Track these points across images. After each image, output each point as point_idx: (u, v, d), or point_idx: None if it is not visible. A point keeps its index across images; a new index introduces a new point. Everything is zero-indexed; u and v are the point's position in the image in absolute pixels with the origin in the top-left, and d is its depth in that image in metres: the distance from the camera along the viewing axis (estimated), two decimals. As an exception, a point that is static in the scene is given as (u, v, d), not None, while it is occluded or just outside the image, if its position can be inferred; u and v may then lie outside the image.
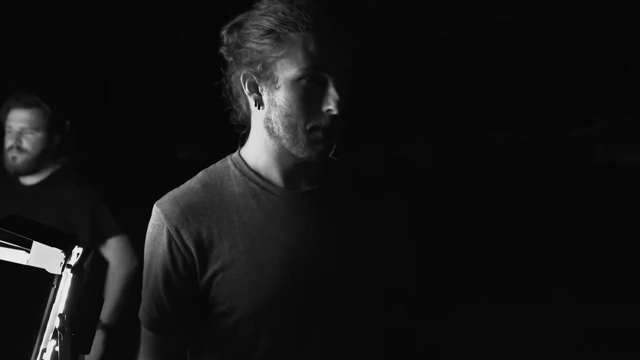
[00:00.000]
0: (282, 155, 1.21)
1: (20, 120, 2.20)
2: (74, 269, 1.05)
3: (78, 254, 1.10)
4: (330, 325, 1.24)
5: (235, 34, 1.19)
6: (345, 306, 1.24)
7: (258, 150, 1.23)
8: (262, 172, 1.23)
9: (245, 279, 1.18)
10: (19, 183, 2.25)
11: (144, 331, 1.28)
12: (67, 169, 2.32)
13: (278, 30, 1.13)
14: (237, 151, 1.27)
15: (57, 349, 1.03)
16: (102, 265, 2.34)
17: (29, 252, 1.09)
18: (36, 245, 1.07)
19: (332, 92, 1.13)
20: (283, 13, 1.13)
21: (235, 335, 1.22)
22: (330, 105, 1.14)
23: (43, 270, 1.02)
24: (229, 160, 1.27)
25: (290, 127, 1.15)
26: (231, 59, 1.20)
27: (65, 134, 2.30)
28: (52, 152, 2.29)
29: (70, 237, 1.12)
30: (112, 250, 2.27)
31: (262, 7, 1.16)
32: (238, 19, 1.20)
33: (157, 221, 1.21)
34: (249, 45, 1.15)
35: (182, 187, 1.25)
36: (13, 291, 1.00)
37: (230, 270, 1.18)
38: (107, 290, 2.29)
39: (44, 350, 1.03)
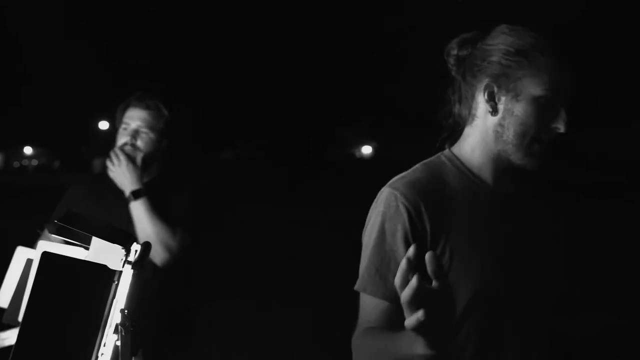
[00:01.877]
0: (498, 158, 1.36)
1: (139, 119, 2.25)
2: (134, 265, 1.07)
3: (136, 250, 1.12)
4: (528, 325, 1.35)
5: (469, 48, 1.37)
6: (540, 306, 1.36)
7: (476, 151, 1.38)
8: (475, 170, 1.38)
9: (466, 267, 1.30)
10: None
11: (370, 303, 1.33)
12: (170, 173, 2.36)
13: (529, 51, 1.29)
14: (448, 149, 1.43)
15: (118, 343, 1.05)
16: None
17: (87, 249, 1.11)
18: (95, 241, 1.09)
19: (563, 113, 1.30)
20: (533, 38, 1.30)
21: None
22: (560, 125, 1.30)
23: (105, 267, 1.04)
24: (442, 157, 1.42)
25: (521, 135, 1.31)
26: (462, 69, 1.37)
27: (173, 142, 2.35)
28: (159, 156, 2.33)
29: (128, 234, 1.14)
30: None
31: (505, 29, 1.33)
32: (469, 35, 1.38)
33: (393, 202, 1.32)
34: (495, 59, 1.31)
35: (409, 175, 1.38)
36: (76, 286, 1.01)
37: (454, 257, 1.31)
38: None
39: (104, 345, 1.05)
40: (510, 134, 1.33)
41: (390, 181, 1.38)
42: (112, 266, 1.05)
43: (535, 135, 1.32)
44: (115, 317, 1.05)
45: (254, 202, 15.92)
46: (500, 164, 1.37)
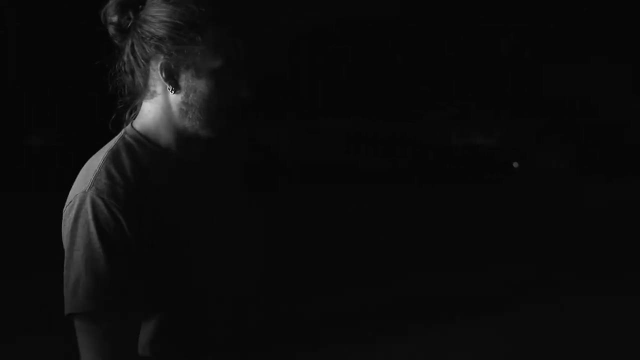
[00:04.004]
0: (186, 132, 1.33)
1: None
2: None
3: None
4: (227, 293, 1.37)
5: (131, 15, 1.28)
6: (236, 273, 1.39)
7: (161, 127, 1.34)
8: (162, 144, 1.34)
9: (186, 237, 1.31)
10: None
11: (102, 328, 1.23)
12: None
13: (200, 24, 1.24)
14: (130, 126, 1.36)
15: None
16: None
17: None
18: None
19: (245, 80, 1.29)
20: (198, 6, 1.24)
21: (186, 298, 1.32)
22: (243, 92, 1.29)
23: None
24: (126, 137, 1.34)
25: (207, 111, 1.29)
26: (130, 40, 1.29)
27: None
28: None
29: None
30: None
31: None
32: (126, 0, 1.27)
33: (100, 203, 1.23)
34: (164, 34, 1.25)
35: (102, 172, 1.27)
36: None
37: (169, 238, 1.29)
38: None
39: None
40: (196, 111, 1.29)
41: (87, 184, 1.26)
42: None
43: (220, 107, 1.29)
44: None
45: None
46: (189, 137, 1.34)
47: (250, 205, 1.47)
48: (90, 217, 1.23)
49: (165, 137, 1.34)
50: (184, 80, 1.28)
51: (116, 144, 1.34)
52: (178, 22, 1.24)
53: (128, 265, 1.24)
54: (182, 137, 1.34)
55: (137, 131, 1.35)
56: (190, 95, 1.29)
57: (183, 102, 1.30)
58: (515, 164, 13.97)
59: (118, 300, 1.22)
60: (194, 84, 1.28)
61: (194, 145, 1.36)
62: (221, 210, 1.39)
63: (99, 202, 1.23)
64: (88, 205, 1.23)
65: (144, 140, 1.34)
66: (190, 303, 1.32)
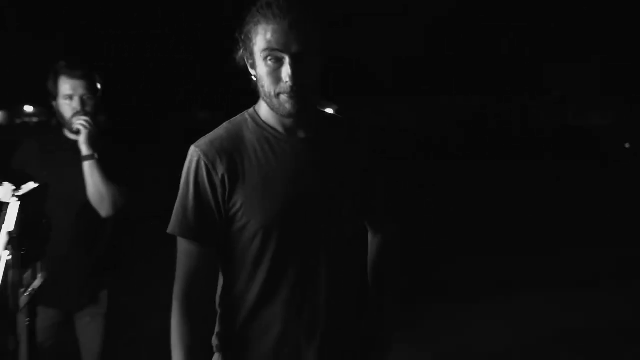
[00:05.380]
0: (280, 115, 1.55)
1: (81, 88, 2.51)
2: (20, 198, 1.40)
3: (27, 188, 1.44)
4: (321, 243, 1.58)
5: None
6: (332, 226, 1.59)
7: (264, 108, 1.58)
8: (270, 123, 1.59)
9: (260, 201, 1.54)
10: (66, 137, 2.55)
11: (184, 247, 1.57)
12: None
13: (252, 22, 1.50)
14: (253, 108, 1.62)
15: (9, 258, 1.38)
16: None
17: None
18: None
19: (285, 67, 1.48)
20: (257, 10, 1.49)
21: (249, 247, 1.56)
22: (285, 77, 1.48)
23: None
24: (246, 114, 1.63)
25: (267, 94, 1.51)
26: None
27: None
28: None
29: (24, 176, 1.45)
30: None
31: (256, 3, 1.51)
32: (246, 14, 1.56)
33: (195, 158, 1.55)
34: (242, 33, 1.53)
35: (212, 134, 1.59)
36: None
37: (250, 194, 1.54)
38: None
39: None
40: (263, 93, 1.53)
41: (198, 140, 1.59)
42: (3, 199, 1.38)
43: (275, 90, 1.50)
44: (4, 238, 1.38)
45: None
46: (280, 116, 1.57)
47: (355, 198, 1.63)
48: (187, 164, 1.56)
49: (270, 117, 1.58)
50: (252, 67, 1.53)
51: (236, 118, 1.64)
52: (245, 23, 1.52)
53: (205, 207, 1.54)
54: (276, 116, 1.57)
55: (255, 110, 1.61)
56: (258, 81, 1.53)
57: (259, 86, 1.53)
58: (627, 145, 14.11)
59: (192, 230, 1.55)
60: (256, 71, 1.52)
61: (295, 126, 1.58)
62: (309, 190, 1.57)
63: (194, 154, 1.55)
64: (189, 155, 1.56)
65: (257, 118, 1.61)
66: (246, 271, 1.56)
